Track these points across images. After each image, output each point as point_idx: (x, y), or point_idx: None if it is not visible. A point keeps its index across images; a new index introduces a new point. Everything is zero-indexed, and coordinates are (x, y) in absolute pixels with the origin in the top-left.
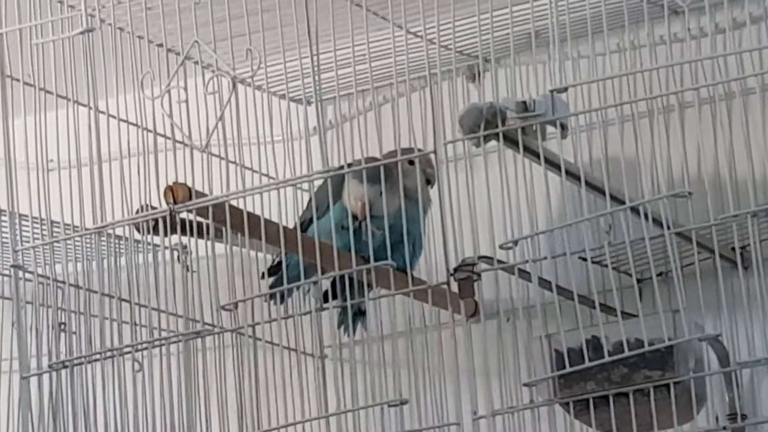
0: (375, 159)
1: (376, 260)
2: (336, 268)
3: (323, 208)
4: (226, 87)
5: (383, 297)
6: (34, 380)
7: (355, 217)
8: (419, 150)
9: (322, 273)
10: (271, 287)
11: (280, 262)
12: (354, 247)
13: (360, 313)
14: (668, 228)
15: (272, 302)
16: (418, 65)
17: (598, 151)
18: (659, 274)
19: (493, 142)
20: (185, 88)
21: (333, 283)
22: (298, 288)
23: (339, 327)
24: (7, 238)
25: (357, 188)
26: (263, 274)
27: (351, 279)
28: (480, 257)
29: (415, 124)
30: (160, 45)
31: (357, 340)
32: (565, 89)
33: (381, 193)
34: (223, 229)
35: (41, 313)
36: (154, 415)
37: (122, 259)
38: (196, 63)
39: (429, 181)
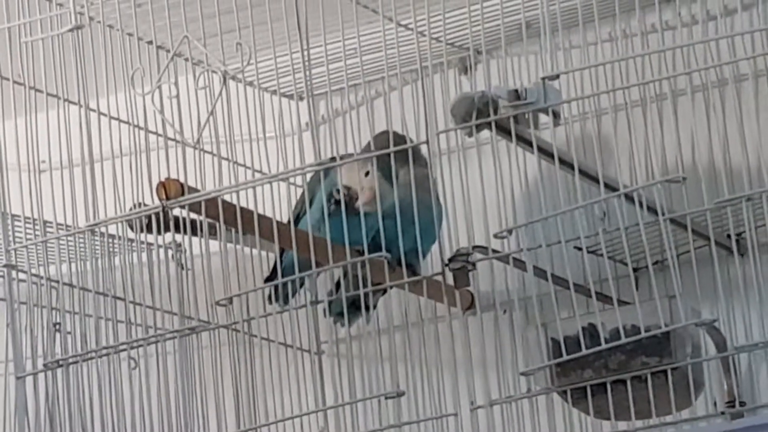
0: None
1: (374, 251)
2: (330, 261)
3: (312, 197)
4: (216, 83)
5: (377, 289)
6: (29, 381)
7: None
8: (411, 140)
9: (318, 267)
10: (275, 291)
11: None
12: (348, 237)
13: (355, 308)
14: (663, 214)
15: (276, 304)
16: (410, 58)
17: (592, 139)
18: (655, 263)
19: (486, 132)
20: (176, 84)
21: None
22: (297, 287)
23: (330, 315)
24: None
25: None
26: (266, 279)
27: (354, 274)
28: (475, 247)
29: (408, 118)
30: (150, 42)
31: (354, 335)
32: (557, 76)
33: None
34: (217, 225)
35: (35, 314)
36: (151, 412)
37: (116, 259)
38: (187, 60)
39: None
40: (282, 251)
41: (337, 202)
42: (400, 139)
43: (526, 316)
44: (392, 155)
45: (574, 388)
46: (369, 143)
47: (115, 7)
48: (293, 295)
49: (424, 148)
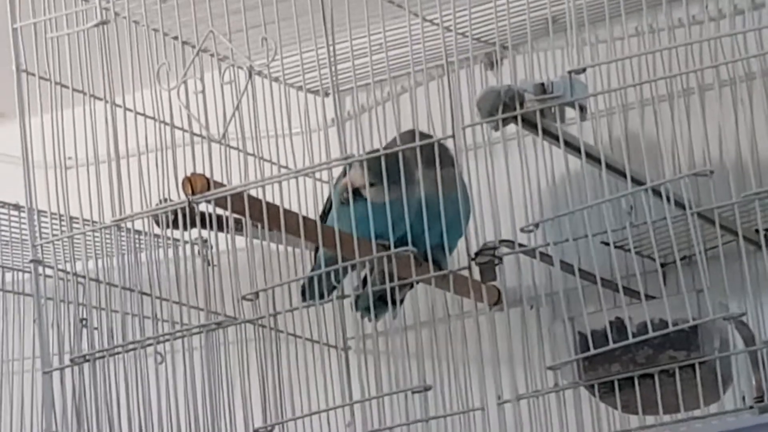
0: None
1: (400, 246)
2: (357, 255)
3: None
4: (242, 78)
5: (404, 282)
6: (56, 376)
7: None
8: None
9: (345, 262)
10: (303, 289)
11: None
12: (374, 230)
13: (383, 302)
14: (690, 208)
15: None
16: (435, 53)
17: (618, 134)
18: (683, 258)
19: (512, 127)
20: (201, 79)
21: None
22: (331, 286)
23: (357, 310)
24: (26, 235)
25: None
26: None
27: (381, 269)
28: (501, 241)
29: (434, 113)
30: (176, 38)
31: (380, 331)
32: (583, 70)
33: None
34: (243, 220)
35: (62, 309)
36: (177, 407)
37: (142, 254)
38: (212, 55)
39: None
40: (316, 251)
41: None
42: (425, 138)
43: (553, 311)
44: (418, 151)
45: (601, 382)
46: (395, 139)
47: (141, 2)
48: (329, 293)
49: (450, 146)
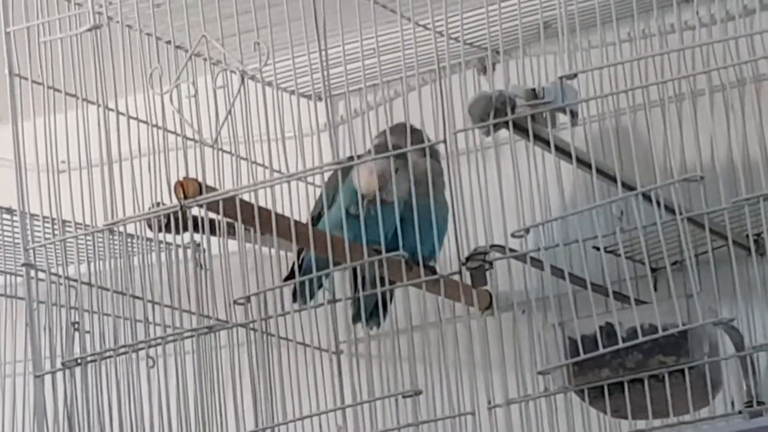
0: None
1: (391, 250)
2: (348, 260)
3: (332, 197)
4: (235, 82)
5: (395, 287)
6: (48, 379)
7: (363, 198)
8: (428, 138)
9: (336, 266)
10: (294, 291)
11: (300, 266)
12: (366, 236)
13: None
14: (680, 213)
15: (295, 303)
16: (428, 58)
17: (610, 139)
18: (674, 263)
19: (504, 132)
20: (194, 83)
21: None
22: (316, 286)
23: (354, 323)
24: (18, 239)
25: (367, 164)
26: (286, 277)
27: (370, 273)
28: (492, 246)
29: (426, 118)
30: (169, 42)
31: (372, 335)
32: (575, 75)
33: (396, 170)
34: (235, 224)
35: (54, 313)
36: (169, 410)
37: (134, 258)
38: (205, 59)
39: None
40: (301, 251)
41: (356, 216)
42: (416, 132)
43: (544, 316)
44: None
45: (591, 387)
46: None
47: (134, 6)
48: (313, 295)
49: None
